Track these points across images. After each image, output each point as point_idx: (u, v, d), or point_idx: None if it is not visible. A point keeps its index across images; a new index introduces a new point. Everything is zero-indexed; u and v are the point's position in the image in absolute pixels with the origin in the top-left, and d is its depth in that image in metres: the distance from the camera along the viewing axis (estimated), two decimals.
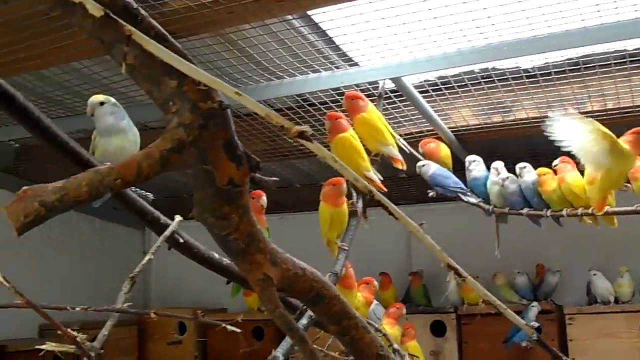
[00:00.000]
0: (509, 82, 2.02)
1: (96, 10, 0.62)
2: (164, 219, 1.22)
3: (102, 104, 1.31)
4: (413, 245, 3.46)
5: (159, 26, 0.65)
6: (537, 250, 3.10)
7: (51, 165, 2.75)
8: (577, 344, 2.74)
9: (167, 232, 0.97)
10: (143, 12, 0.64)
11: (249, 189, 0.75)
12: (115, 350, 3.35)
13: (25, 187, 0.62)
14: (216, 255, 1.32)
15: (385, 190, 1.74)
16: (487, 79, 2.02)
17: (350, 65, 1.91)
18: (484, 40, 1.77)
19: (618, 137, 1.64)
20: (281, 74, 1.93)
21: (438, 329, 3.03)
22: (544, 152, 2.60)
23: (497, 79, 2.00)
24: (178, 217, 0.99)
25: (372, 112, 1.77)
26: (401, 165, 1.83)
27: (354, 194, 1.72)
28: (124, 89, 2.11)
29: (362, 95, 1.77)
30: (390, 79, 1.84)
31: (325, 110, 2.04)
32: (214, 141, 0.68)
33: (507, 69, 1.96)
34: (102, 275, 3.73)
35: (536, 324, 2.20)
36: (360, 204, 1.70)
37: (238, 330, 0.91)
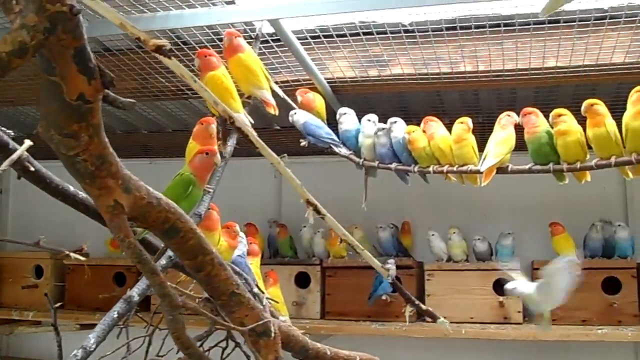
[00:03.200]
0: (387, 37, 2.02)
1: None
2: (13, 144, 1.13)
3: None
4: (284, 198, 3.46)
5: None
6: (403, 207, 3.17)
7: None
8: (433, 299, 2.84)
9: (14, 155, 0.89)
10: None
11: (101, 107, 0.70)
12: None
13: None
14: (71, 188, 1.24)
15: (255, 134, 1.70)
16: (366, 32, 2.02)
17: (228, 4, 1.84)
18: None
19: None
20: (154, 6, 1.83)
21: (303, 281, 3.05)
22: (415, 110, 2.65)
23: (376, 32, 2.00)
24: (28, 142, 0.91)
25: (249, 54, 1.73)
26: (274, 110, 1.80)
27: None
28: None
29: (241, 35, 1.71)
30: (269, 21, 1.79)
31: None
32: (63, 49, 0.62)
33: (387, 23, 1.97)
34: None
35: (394, 273, 2.25)
36: (229, 147, 1.65)
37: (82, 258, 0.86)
